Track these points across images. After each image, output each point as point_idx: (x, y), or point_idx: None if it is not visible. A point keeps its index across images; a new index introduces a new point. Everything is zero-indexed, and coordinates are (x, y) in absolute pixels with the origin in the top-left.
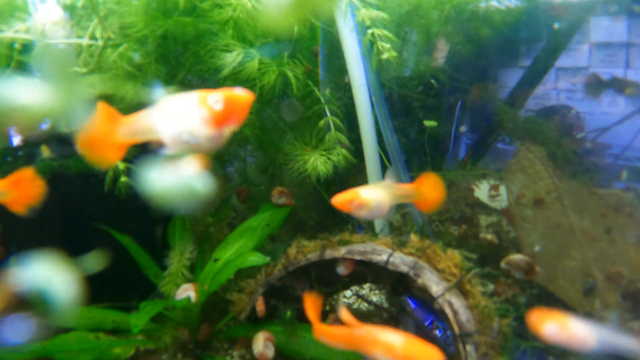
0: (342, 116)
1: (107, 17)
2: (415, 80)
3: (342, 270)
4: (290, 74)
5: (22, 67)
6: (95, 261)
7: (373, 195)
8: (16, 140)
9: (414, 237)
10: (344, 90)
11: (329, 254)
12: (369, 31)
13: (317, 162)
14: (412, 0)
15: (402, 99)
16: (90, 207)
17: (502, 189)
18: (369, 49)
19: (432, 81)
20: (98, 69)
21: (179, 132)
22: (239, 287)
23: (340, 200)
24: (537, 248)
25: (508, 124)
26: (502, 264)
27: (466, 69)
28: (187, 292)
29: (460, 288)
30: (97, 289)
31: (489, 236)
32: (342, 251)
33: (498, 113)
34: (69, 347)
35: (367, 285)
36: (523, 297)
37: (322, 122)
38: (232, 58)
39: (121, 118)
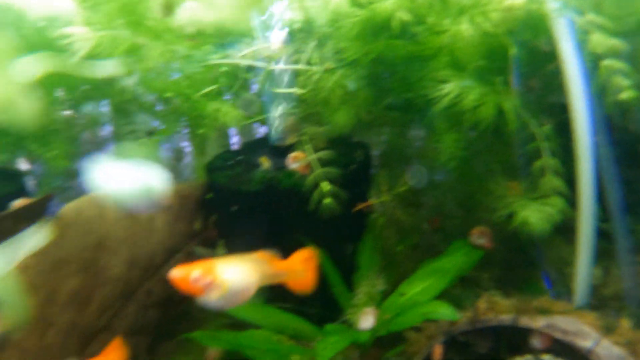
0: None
1: (323, 41)
2: None
3: (537, 343)
4: (507, 106)
5: (246, 86)
6: None
7: (234, 276)
8: (236, 145)
9: (624, 323)
10: None
11: (525, 322)
12: (603, 63)
13: (532, 217)
14: None
15: (628, 141)
16: (293, 219)
17: None
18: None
19: None
20: (313, 93)
21: None
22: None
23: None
24: None
25: None
26: None
27: None
28: (367, 316)
29: None
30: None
31: None
32: (540, 323)
33: None
34: (257, 345)
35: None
36: None
37: (539, 163)
38: (448, 89)
39: None
